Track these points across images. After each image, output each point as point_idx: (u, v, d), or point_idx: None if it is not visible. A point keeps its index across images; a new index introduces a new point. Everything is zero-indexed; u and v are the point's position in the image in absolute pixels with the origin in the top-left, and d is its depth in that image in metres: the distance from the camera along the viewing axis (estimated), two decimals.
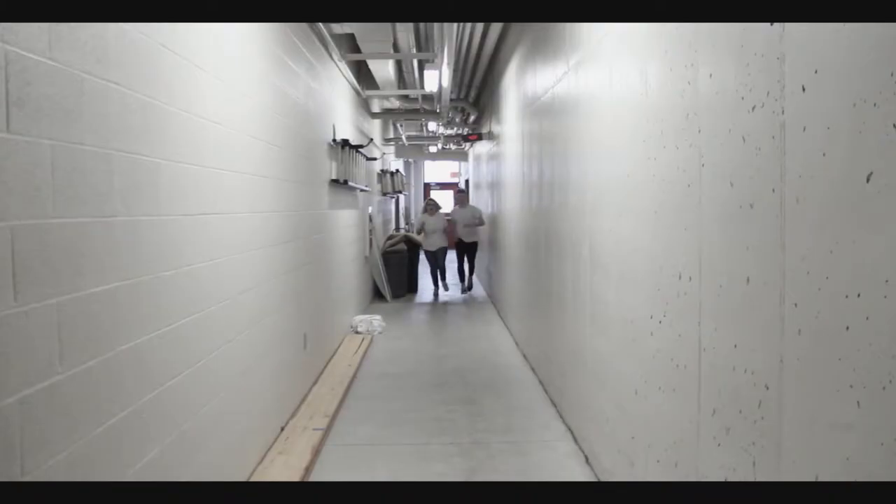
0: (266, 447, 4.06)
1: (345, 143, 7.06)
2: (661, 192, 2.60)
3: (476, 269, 11.54)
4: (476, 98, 12.04)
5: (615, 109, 3.23)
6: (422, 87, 9.39)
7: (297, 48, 5.04)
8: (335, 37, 6.36)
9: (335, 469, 3.92)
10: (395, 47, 7.44)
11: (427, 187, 22.18)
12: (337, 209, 6.92)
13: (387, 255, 10.46)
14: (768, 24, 1.76)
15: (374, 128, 10.60)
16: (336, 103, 6.95)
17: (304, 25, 5.36)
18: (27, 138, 1.73)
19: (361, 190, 8.36)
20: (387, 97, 10.38)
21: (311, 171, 5.52)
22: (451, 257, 11.53)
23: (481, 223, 10.78)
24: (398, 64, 8.98)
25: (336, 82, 6.99)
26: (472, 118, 12.66)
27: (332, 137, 6.61)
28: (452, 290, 11.33)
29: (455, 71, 9.52)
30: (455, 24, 6.50)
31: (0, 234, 1.63)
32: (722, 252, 2.08)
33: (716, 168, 2.11)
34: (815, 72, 1.56)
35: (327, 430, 4.49)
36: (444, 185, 21.88)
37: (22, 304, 1.70)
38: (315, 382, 5.61)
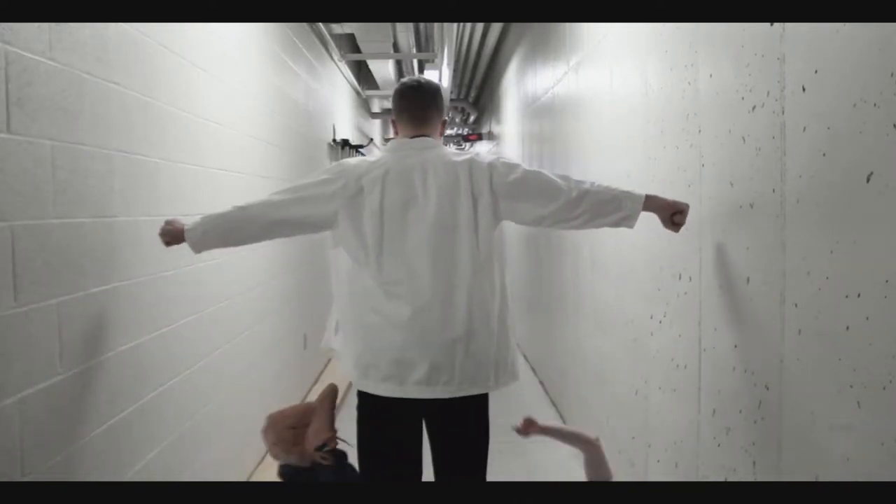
0: (266, 447, 4.05)
1: (345, 143, 7.06)
2: (662, 191, 2.59)
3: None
4: (476, 98, 12.05)
5: (615, 109, 3.23)
6: None
7: (297, 48, 5.04)
8: (335, 37, 6.36)
9: None
10: (395, 47, 7.44)
11: None
12: None
13: None
14: (768, 24, 1.75)
15: (374, 128, 10.60)
16: (336, 103, 6.95)
17: (304, 25, 5.35)
18: (27, 138, 1.73)
19: None
20: (387, 97, 10.37)
21: (311, 171, 5.51)
22: None
23: None
24: (398, 64, 8.99)
25: (336, 82, 6.98)
26: (472, 118, 12.67)
27: (332, 137, 6.61)
28: None
29: (455, 71, 9.52)
30: (455, 24, 6.50)
31: (0, 234, 1.63)
32: (722, 252, 2.08)
33: (716, 168, 2.10)
34: (815, 72, 1.56)
35: None
36: None
37: (22, 304, 1.70)
38: (315, 382, 5.60)
